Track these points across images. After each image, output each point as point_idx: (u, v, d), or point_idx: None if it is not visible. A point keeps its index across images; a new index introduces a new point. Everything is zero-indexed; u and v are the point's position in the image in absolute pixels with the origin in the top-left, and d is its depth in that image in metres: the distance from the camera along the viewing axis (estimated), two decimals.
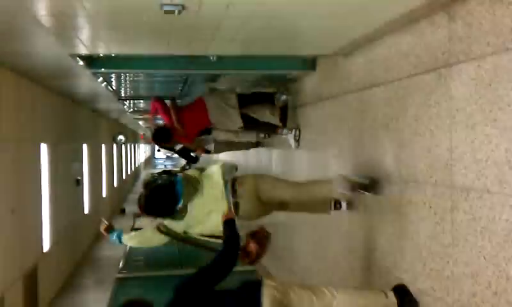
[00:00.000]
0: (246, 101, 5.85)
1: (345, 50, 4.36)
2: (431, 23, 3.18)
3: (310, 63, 5.24)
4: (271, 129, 6.19)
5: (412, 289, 3.35)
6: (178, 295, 2.87)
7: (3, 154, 5.62)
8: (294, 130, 5.92)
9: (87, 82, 7.10)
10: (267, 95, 6.03)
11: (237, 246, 3.07)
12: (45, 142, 7.61)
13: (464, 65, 2.85)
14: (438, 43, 3.10)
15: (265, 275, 7.58)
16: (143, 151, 38.95)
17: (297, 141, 5.91)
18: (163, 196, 3.62)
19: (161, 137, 5.85)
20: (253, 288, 3.01)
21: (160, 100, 6.12)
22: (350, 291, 3.34)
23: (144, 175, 31.63)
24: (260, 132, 6.57)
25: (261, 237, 3.56)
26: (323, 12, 3.26)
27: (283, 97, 5.91)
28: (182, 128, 5.73)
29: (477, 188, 2.73)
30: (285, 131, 5.97)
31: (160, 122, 6.54)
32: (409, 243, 3.42)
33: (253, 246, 3.47)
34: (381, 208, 3.85)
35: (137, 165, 31.29)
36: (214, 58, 4.86)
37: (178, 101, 6.79)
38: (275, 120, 5.94)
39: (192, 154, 6.51)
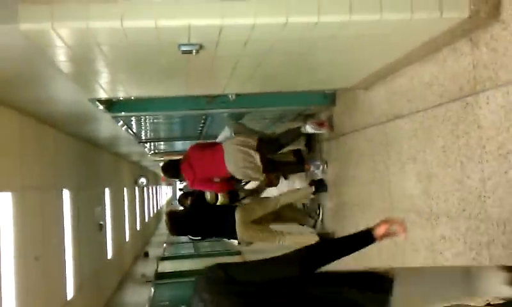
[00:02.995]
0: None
1: (366, 83, 4.28)
2: (454, 50, 3.09)
3: (330, 98, 5.18)
4: (298, 167, 5.94)
5: None
6: None
7: (27, 202, 5.62)
8: (322, 165, 5.68)
9: (107, 126, 7.14)
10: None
11: None
12: (67, 189, 7.63)
13: (492, 92, 2.75)
14: (463, 71, 3.01)
15: None
16: (164, 192, 39.08)
17: (324, 173, 5.71)
18: None
19: (170, 170, 5.65)
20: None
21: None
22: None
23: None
24: (284, 172, 6.23)
25: None
26: (341, 46, 3.20)
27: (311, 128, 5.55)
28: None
29: None
30: (313, 167, 5.72)
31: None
32: None
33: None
34: (412, 245, 3.70)
35: (159, 208, 31.34)
36: (233, 97, 4.83)
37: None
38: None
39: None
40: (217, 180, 5.37)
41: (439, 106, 3.27)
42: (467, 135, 2.98)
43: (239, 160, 5.14)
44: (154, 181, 25.67)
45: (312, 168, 5.73)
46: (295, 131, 5.69)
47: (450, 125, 3.15)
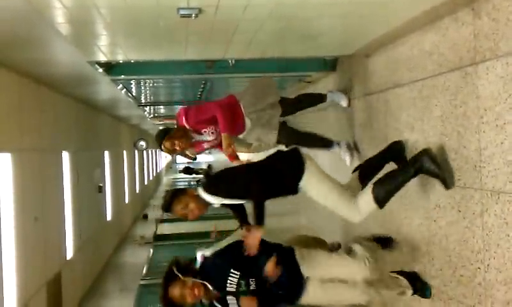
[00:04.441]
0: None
1: (367, 50, 4.26)
2: (455, 20, 3.07)
3: (330, 64, 5.15)
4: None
5: (442, 296, 3.24)
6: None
7: (26, 163, 5.65)
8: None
9: (107, 89, 7.12)
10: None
11: None
12: (66, 151, 7.65)
13: (491, 63, 2.74)
14: (463, 41, 2.99)
15: None
16: (164, 156, 39.16)
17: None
18: None
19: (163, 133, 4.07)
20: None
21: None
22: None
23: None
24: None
25: None
26: (343, 12, 3.18)
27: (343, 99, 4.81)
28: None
29: (508, 191, 2.62)
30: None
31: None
32: (437, 248, 3.31)
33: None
34: (406, 212, 3.74)
35: (158, 171, 31.47)
36: (233, 62, 4.82)
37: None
38: None
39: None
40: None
41: (438, 75, 3.26)
42: (465, 105, 2.98)
43: (254, 100, 4.26)
44: (154, 144, 25.70)
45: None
46: (316, 96, 4.94)
47: (448, 95, 3.15)
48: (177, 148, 3.87)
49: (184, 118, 3.95)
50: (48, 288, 6.34)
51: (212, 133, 3.98)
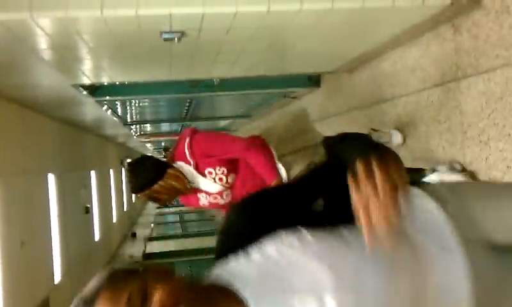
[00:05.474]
0: None
1: (349, 67, 4.29)
2: (436, 36, 3.10)
3: (314, 80, 5.18)
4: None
5: None
6: None
7: (12, 187, 5.58)
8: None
9: (92, 110, 7.07)
10: None
11: None
12: (52, 173, 7.57)
13: (473, 79, 2.77)
14: (445, 57, 3.03)
15: None
16: None
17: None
18: None
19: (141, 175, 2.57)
20: None
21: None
22: None
23: None
24: None
25: None
26: (324, 33, 3.20)
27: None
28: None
29: None
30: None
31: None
32: None
33: None
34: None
35: None
36: (217, 80, 4.83)
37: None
38: None
39: None
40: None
41: (422, 91, 3.29)
42: (449, 120, 3.01)
43: None
44: None
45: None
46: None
47: (432, 110, 3.18)
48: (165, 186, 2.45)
49: (188, 140, 2.40)
50: None
51: (219, 179, 2.46)
